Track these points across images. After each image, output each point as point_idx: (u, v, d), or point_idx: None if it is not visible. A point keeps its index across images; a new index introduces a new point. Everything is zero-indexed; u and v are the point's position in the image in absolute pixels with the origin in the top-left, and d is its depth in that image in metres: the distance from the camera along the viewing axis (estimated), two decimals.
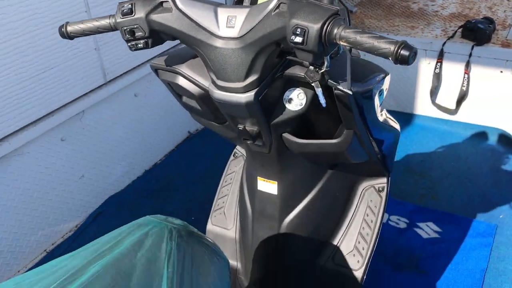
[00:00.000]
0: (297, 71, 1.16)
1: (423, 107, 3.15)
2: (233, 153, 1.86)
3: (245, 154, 1.80)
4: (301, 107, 1.25)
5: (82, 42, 2.33)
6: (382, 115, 1.47)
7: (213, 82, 1.21)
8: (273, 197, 1.49)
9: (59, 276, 0.88)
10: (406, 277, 2.10)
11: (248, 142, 1.36)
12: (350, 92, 1.09)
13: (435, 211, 2.44)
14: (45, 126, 2.24)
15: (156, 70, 1.35)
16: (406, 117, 3.20)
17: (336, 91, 1.12)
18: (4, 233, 2.17)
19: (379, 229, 1.57)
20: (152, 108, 2.90)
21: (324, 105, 1.11)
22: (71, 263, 0.93)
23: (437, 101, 3.06)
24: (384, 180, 1.61)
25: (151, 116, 2.91)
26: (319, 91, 1.08)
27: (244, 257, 1.63)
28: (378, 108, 1.37)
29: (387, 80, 1.37)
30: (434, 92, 3.02)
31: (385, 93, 1.40)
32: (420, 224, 2.38)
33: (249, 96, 1.17)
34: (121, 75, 2.61)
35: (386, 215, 2.43)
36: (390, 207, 2.46)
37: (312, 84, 1.08)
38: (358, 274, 1.53)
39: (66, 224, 2.47)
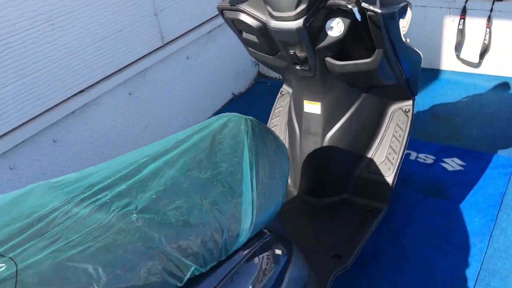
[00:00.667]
0: (337, 0, 1.48)
1: (448, 62, 3.40)
2: (280, 92, 2.19)
3: (290, 92, 2.12)
4: (340, 33, 1.57)
5: (144, 8, 2.70)
6: (406, 41, 1.76)
7: (270, 14, 1.53)
8: (317, 116, 1.82)
9: (163, 146, 1.20)
10: (434, 201, 2.40)
11: (297, 67, 1.68)
12: (380, 11, 1.40)
13: (459, 148, 2.72)
14: (115, 81, 2.62)
15: (221, 10, 1.69)
16: (432, 73, 3.46)
17: (368, 13, 1.43)
18: None
19: (406, 143, 1.87)
20: (202, 70, 3.25)
21: (359, 19, 1.42)
22: (167, 141, 1.25)
23: (461, 55, 3.31)
24: (410, 102, 1.91)
25: (201, 78, 3.26)
26: (355, 10, 1.39)
27: (293, 171, 1.96)
28: (402, 33, 1.67)
29: (409, 12, 1.67)
30: (458, 47, 3.27)
31: (408, 22, 1.70)
32: (446, 160, 2.66)
33: (299, 22, 1.50)
34: (175, 38, 2.97)
35: (414, 153, 2.72)
36: (418, 147, 2.75)
37: (349, 6, 1.39)
38: (389, 179, 1.84)
39: None
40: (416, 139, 2.77)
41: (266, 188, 1.19)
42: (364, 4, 1.40)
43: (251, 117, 1.40)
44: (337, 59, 1.66)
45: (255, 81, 3.81)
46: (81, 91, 2.45)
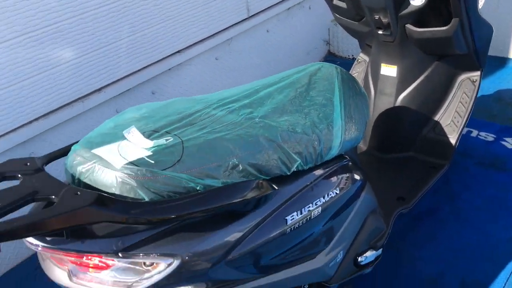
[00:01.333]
0: None
1: None
2: (357, 60, 2.43)
3: (366, 60, 2.36)
4: (422, 3, 1.79)
5: None
6: (480, 14, 1.95)
7: None
8: (392, 79, 2.06)
9: (271, 80, 1.48)
10: (492, 172, 2.57)
11: (380, 32, 1.92)
12: None
13: None
14: (206, 46, 2.94)
15: None
16: (500, 61, 3.57)
17: None
18: None
19: (471, 109, 2.07)
20: (278, 44, 3.53)
21: None
22: (274, 77, 1.53)
23: None
24: (478, 73, 2.10)
25: (277, 51, 3.54)
26: None
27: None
28: (479, 6, 1.86)
29: None
30: None
31: None
32: (506, 139, 2.81)
33: None
34: (259, 12, 3.26)
35: (475, 131, 2.89)
36: (480, 126, 2.91)
37: None
38: (453, 140, 2.05)
39: None
40: (478, 119, 2.93)
41: (350, 121, 1.45)
42: None
43: (340, 67, 1.66)
44: (416, 26, 1.88)
45: (325, 59, 4.04)
46: (178, 51, 2.79)
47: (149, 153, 1.02)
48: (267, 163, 1.14)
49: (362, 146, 2.21)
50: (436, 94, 2.09)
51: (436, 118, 2.10)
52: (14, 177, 0.99)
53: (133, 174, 0.97)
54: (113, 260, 0.97)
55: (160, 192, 0.98)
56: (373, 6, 1.85)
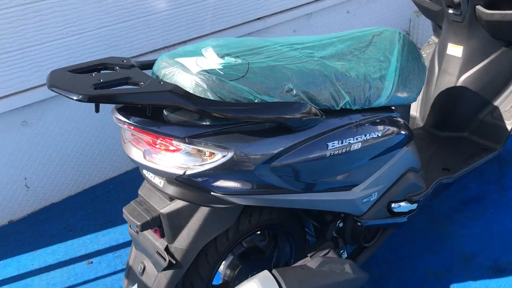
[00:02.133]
0: None
1: None
2: (427, 41, 2.51)
3: (436, 42, 2.44)
4: None
5: None
6: None
7: None
8: (457, 59, 2.14)
9: (335, 34, 1.63)
10: None
11: (450, 10, 2.01)
12: None
13: None
14: (285, 17, 3.12)
15: None
16: None
17: None
18: None
19: None
20: (357, 26, 3.65)
21: None
22: (338, 33, 1.68)
23: None
24: None
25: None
26: None
27: (424, 105, 2.30)
28: None
29: None
30: None
31: None
32: None
33: None
34: None
35: None
36: None
37: None
38: (509, 126, 2.10)
39: None
40: None
41: (403, 80, 1.58)
42: None
43: (404, 34, 1.78)
44: (487, 8, 1.95)
45: None
46: (259, 18, 3.00)
47: (220, 67, 1.22)
48: (318, 94, 1.31)
49: (419, 123, 2.30)
50: (499, 80, 2.14)
51: (496, 103, 2.15)
52: (112, 68, 1.22)
53: (205, 79, 1.17)
54: (180, 145, 1.18)
55: (224, 98, 1.18)
56: None
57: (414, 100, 1.68)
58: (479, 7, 1.97)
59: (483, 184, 2.49)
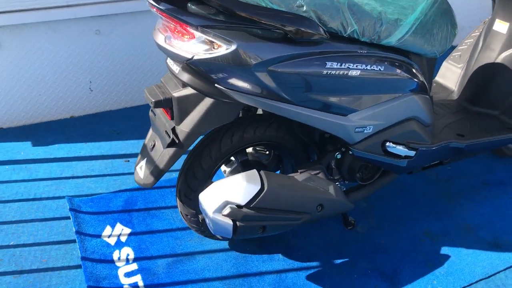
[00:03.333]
0: None
1: None
2: (483, 21, 2.51)
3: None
4: None
5: None
6: None
7: None
8: (501, 35, 2.14)
9: None
10: None
11: None
12: None
13: None
14: None
15: None
16: None
17: None
18: None
19: None
20: None
21: None
22: None
23: None
24: None
25: None
26: None
27: (462, 78, 2.32)
28: None
29: None
30: None
31: None
32: None
33: None
34: None
35: None
36: None
37: None
38: None
39: None
40: None
41: (424, 32, 1.65)
42: None
43: None
44: None
45: None
46: None
47: None
48: (328, 16, 1.43)
49: (455, 95, 2.33)
50: None
51: None
52: None
53: None
54: (195, 33, 1.37)
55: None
56: None
57: (434, 55, 1.75)
58: None
59: (508, 170, 2.48)
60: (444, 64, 2.48)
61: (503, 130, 2.08)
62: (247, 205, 1.51)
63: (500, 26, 2.15)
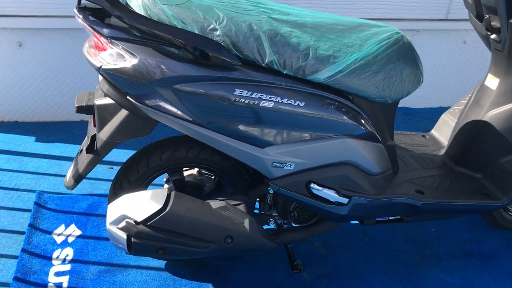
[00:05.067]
0: None
1: None
2: None
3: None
4: None
5: None
6: None
7: None
8: (491, 91, 1.95)
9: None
10: None
11: (490, 35, 1.85)
12: None
13: None
14: None
15: None
16: None
17: None
18: None
19: None
20: (477, 62, 3.39)
21: None
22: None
23: None
24: None
25: (475, 67, 3.41)
26: None
27: (449, 133, 2.12)
28: None
29: None
30: None
31: None
32: None
33: None
34: (459, 19, 3.21)
35: None
36: None
37: None
38: None
39: None
40: None
41: (369, 74, 1.56)
42: None
43: (406, 36, 1.72)
44: None
45: None
46: None
47: None
48: (242, 43, 1.40)
49: (442, 151, 2.13)
50: None
51: None
52: None
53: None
54: (108, 45, 1.41)
55: (152, 16, 1.37)
56: (486, 3, 1.78)
57: (384, 100, 1.64)
58: None
59: (507, 247, 2.21)
60: (442, 117, 2.30)
61: (475, 195, 1.87)
62: (144, 222, 1.50)
63: (491, 81, 1.96)
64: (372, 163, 1.69)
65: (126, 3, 1.44)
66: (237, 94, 1.43)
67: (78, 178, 1.64)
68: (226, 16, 1.42)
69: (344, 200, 1.65)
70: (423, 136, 2.25)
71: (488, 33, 1.86)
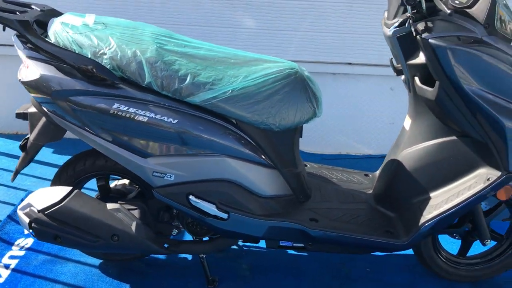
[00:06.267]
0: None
1: None
2: None
3: None
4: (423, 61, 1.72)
5: None
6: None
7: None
8: (405, 131, 1.98)
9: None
10: None
11: (401, 77, 1.91)
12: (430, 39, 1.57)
13: None
14: (378, 71, 3.15)
15: None
16: None
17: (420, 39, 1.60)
18: None
19: (464, 204, 1.77)
20: None
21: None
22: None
23: None
24: (496, 174, 1.75)
25: None
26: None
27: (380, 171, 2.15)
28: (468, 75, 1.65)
29: None
30: None
31: None
32: None
33: (390, 30, 1.78)
34: None
35: None
36: None
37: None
38: (422, 219, 1.83)
39: None
40: None
41: (254, 103, 1.73)
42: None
43: (305, 70, 1.86)
44: (423, 83, 1.76)
45: None
46: (349, 63, 3.15)
47: (81, 25, 1.73)
48: (125, 65, 1.65)
49: (370, 191, 2.15)
50: (445, 170, 1.85)
51: (432, 193, 1.87)
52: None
53: (57, 26, 1.71)
54: (26, 63, 1.74)
55: (59, 42, 1.71)
56: (389, 46, 1.84)
57: (268, 127, 1.78)
58: (416, 79, 1.79)
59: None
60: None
61: (376, 232, 1.89)
62: (43, 211, 1.78)
63: (407, 121, 1.99)
64: (259, 186, 1.82)
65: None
66: (115, 107, 1.69)
67: (15, 172, 1.98)
68: (116, 44, 1.70)
69: (224, 215, 1.80)
70: (366, 175, 2.29)
71: (396, 74, 1.92)
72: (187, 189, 1.79)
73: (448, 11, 1.58)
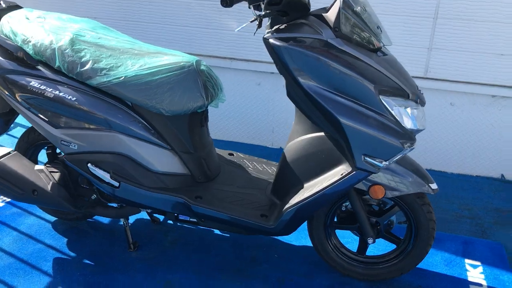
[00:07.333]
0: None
1: None
2: None
3: None
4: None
5: (419, 38, 3.04)
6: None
7: None
8: (293, 124, 2.13)
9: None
10: None
11: None
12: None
13: None
14: None
15: None
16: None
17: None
18: None
19: (316, 194, 1.94)
20: (460, 125, 3.18)
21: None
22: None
23: None
24: (346, 169, 1.87)
25: (459, 131, 3.20)
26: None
27: None
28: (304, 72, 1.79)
29: None
30: None
31: None
32: None
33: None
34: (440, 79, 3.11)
35: None
36: None
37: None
38: (286, 204, 2.00)
39: None
40: None
41: (145, 89, 2.01)
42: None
43: (204, 65, 2.11)
44: None
45: None
46: None
47: (25, 18, 2.17)
48: (42, 52, 2.01)
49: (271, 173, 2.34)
50: (314, 162, 1.99)
51: (305, 183, 2.01)
52: None
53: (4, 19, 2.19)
54: None
55: (3, 29, 2.16)
56: None
57: (158, 111, 2.05)
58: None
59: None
60: None
61: (252, 214, 2.08)
62: None
63: (295, 115, 2.13)
64: (151, 162, 2.11)
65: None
66: (31, 84, 2.09)
67: None
68: (41, 34, 2.10)
69: (115, 183, 2.11)
70: None
71: None
72: (87, 158, 2.13)
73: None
